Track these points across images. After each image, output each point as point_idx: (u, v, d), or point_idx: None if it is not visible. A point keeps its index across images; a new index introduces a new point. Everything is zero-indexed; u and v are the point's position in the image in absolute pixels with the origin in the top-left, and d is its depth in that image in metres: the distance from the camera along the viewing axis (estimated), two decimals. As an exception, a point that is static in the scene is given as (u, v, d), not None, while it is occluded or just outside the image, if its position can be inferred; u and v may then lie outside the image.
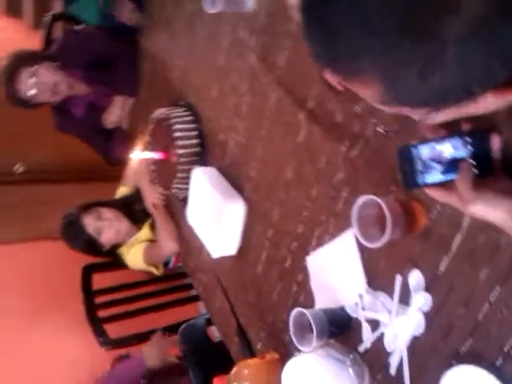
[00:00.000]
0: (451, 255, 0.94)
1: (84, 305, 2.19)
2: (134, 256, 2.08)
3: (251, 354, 1.52)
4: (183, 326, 2.07)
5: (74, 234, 2.02)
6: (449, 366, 0.94)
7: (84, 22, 2.56)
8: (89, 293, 2.24)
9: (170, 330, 2.19)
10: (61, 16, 2.75)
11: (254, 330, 1.55)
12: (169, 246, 1.97)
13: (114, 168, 2.47)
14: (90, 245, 2.04)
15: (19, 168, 3.90)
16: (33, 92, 2.11)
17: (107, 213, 2.06)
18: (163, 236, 1.97)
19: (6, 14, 4.11)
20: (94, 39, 2.32)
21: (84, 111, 2.35)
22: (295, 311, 1.16)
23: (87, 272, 2.29)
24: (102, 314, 2.22)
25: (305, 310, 1.13)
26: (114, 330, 2.17)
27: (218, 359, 1.76)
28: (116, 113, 2.34)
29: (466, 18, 0.42)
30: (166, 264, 2.22)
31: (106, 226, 2.03)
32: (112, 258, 2.16)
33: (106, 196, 2.46)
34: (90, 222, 2.02)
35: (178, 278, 2.44)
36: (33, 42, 3.79)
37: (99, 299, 2.27)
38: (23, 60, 2.11)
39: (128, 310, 2.27)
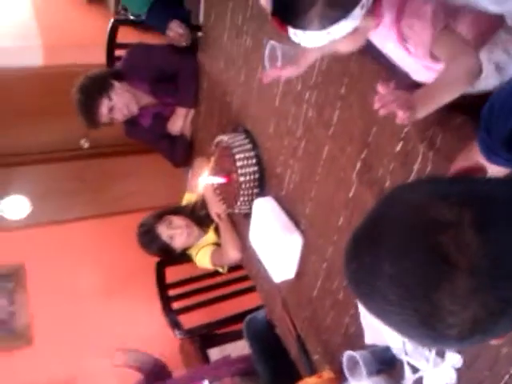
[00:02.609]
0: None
1: (160, 299, 2.49)
2: (202, 258, 2.33)
3: (309, 363, 1.76)
4: (246, 319, 2.34)
5: (150, 241, 2.28)
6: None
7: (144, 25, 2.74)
8: (163, 287, 2.54)
9: (238, 318, 2.46)
10: (122, 21, 2.92)
11: (311, 342, 1.78)
12: (232, 254, 2.20)
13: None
14: (164, 250, 2.30)
15: (85, 143, 4.20)
16: (109, 118, 2.35)
17: (178, 220, 2.30)
18: (227, 245, 2.21)
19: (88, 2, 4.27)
20: (157, 55, 2.49)
21: (150, 121, 2.57)
22: (347, 354, 1.38)
23: (160, 268, 2.57)
24: (176, 305, 2.51)
25: (355, 354, 1.34)
26: (185, 320, 2.48)
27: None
28: (179, 123, 2.55)
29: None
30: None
31: (177, 233, 2.28)
32: (183, 259, 2.42)
33: (164, 165, 2.73)
34: (163, 230, 2.27)
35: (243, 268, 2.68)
36: (90, 17, 3.98)
37: (172, 292, 2.56)
38: (97, 91, 2.31)
39: (198, 301, 2.56)
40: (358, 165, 1.41)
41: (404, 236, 0.61)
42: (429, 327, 0.59)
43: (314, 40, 1.06)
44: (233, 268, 2.58)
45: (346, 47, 1.14)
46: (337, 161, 1.51)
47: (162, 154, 2.73)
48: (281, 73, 1.36)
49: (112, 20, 2.76)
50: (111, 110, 2.34)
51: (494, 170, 0.84)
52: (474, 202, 0.61)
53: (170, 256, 2.39)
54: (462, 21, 1.10)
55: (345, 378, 1.43)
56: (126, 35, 2.84)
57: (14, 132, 3.67)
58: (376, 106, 0.97)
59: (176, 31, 2.37)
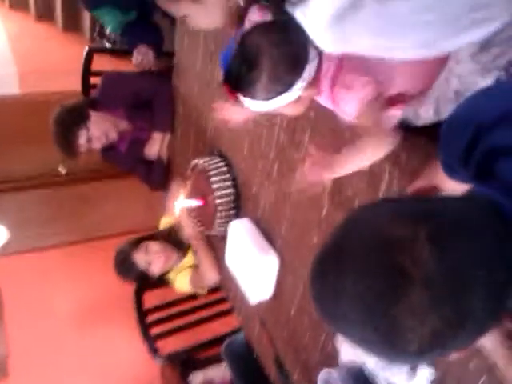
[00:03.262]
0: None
1: (138, 325, 2.47)
2: (181, 282, 2.33)
3: (289, 383, 1.77)
4: (225, 343, 2.34)
5: (127, 270, 2.27)
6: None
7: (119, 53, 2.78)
8: (141, 313, 2.52)
9: (218, 341, 2.45)
10: (98, 49, 2.96)
11: (290, 362, 1.79)
12: (210, 276, 2.21)
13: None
14: (142, 277, 2.29)
15: (62, 170, 4.19)
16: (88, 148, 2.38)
17: (154, 246, 2.30)
18: (204, 266, 2.22)
19: (37, 19, 4.33)
20: (131, 81, 2.53)
21: (127, 146, 2.59)
22: (323, 373, 1.39)
23: (138, 294, 2.56)
24: (155, 331, 2.50)
25: (332, 372, 1.36)
26: (165, 345, 2.46)
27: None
28: (155, 147, 2.57)
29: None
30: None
31: (154, 259, 2.27)
32: (162, 283, 2.42)
33: (142, 189, 2.74)
34: (140, 257, 2.26)
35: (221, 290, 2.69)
36: (65, 45, 4.01)
37: (151, 317, 2.55)
38: (75, 122, 2.34)
39: (177, 325, 2.55)
40: (329, 185, 1.45)
41: (364, 255, 0.64)
42: (389, 344, 0.62)
43: (261, 106, 1.17)
44: (211, 290, 2.59)
45: (292, 111, 1.25)
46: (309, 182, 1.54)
47: (139, 179, 2.75)
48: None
49: (87, 47, 2.80)
50: (89, 140, 2.36)
51: (457, 187, 0.88)
52: (427, 219, 0.64)
53: (147, 282, 2.38)
54: (399, 78, 1.16)
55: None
56: (102, 63, 2.87)
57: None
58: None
59: (142, 54, 2.42)
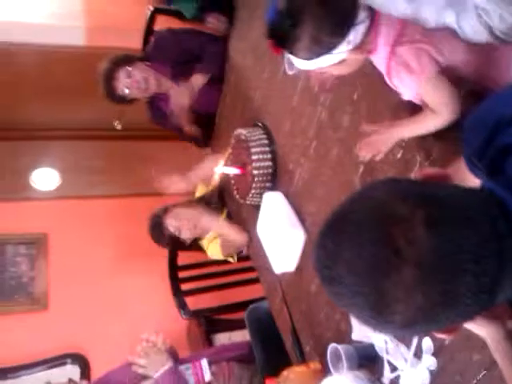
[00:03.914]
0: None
1: (170, 279, 2.59)
2: (213, 250, 2.42)
3: (301, 354, 1.83)
4: (249, 307, 2.42)
5: (159, 234, 2.37)
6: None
7: (182, 16, 2.83)
8: (174, 268, 2.64)
9: (243, 306, 2.54)
10: (161, 10, 3.02)
11: (305, 335, 1.85)
12: (239, 238, 2.29)
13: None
14: (174, 242, 2.39)
15: (118, 125, 4.33)
16: (127, 90, 2.45)
17: (184, 212, 2.37)
18: (231, 233, 2.30)
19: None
20: (186, 37, 2.59)
21: (170, 106, 2.66)
22: (331, 347, 1.45)
23: (172, 253, 2.67)
24: (184, 287, 2.62)
25: (339, 347, 1.41)
26: (192, 302, 2.58)
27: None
28: (187, 93, 2.53)
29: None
30: (240, 253, 2.55)
31: (183, 225, 2.35)
32: (195, 248, 2.51)
33: (190, 154, 2.81)
34: (170, 223, 2.35)
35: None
36: (135, 2, 4.11)
37: (182, 274, 2.67)
38: (120, 61, 2.44)
39: (206, 285, 2.66)
40: (361, 169, 1.47)
41: (363, 227, 0.67)
42: (376, 312, 0.66)
43: (305, 64, 1.16)
44: (242, 258, 2.67)
45: (340, 71, 1.23)
46: (343, 163, 1.57)
47: (186, 140, 2.82)
48: None
49: (151, 7, 2.87)
50: (129, 81, 2.43)
51: (477, 182, 0.90)
52: (428, 202, 0.66)
53: (181, 247, 2.48)
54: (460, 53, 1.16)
55: (329, 370, 1.50)
56: (166, 23, 2.94)
57: (51, 107, 3.82)
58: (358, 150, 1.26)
59: (215, 18, 2.47)
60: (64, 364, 2.93)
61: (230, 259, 2.48)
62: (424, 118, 1.18)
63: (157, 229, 2.36)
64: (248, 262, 2.75)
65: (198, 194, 2.57)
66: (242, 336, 2.77)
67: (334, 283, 0.70)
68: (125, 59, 2.47)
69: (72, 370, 2.90)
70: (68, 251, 3.33)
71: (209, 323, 2.78)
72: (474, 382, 1.12)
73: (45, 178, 3.76)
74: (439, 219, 0.65)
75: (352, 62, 1.21)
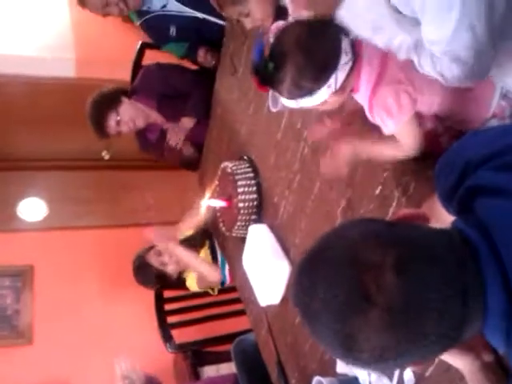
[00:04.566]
0: (434, 368, 1.20)
1: (156, 311, 2.59)
2: (191, 282, 2.46)
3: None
4: (236, 340, 2.42)
5: (145, 274, 2.41)
6: None
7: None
8: (160, 300, 2.64)
9: (230, 338, 2.54)
10: (151, 45, 3.09)
11: (290, 367, 1.86)
12: (212, 276, 2.35)
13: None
14: (161, 278, 2.42)
15: (106, 155, 4.36)
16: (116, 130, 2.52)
17: (164, 249, 2.41)
18: (204, 270, 2.34)
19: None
20: (174, 73, 2.66)
21: (157, 137, 2.71)
22: (316, 380, 1.46)
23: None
24: (170, 320, 2.61)
25: (323, 380, 1.42)
26: (178, 336, 2.57)
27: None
28: (181, 134, 2.64)
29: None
30: (222, 283, 2.56)
31: (166, 259, 2.39)
32: (181, 285, 2.53)
33: (179, 182, 2.82)
34: (153, 259, 2.39)
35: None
36: (123, 35, 4.12)
37: (168, 306, 2.66)
38: (106, 105, 2.51)
39: (192, 318, 2.65)
40: (343, 203, 1.51)
41: (336, 268, 0.70)
42: (345, 349, 0.69)
43: (289, 103, 1.22)
44: (227, 290, 2.68)
45: (323, 109, 1.28)
46: (325, 197, 1.61)
47: (174, 164, 2.86)
48: None
49: (140, 42, 2.94)
50: (118, 123, 2.50)
51: (450, 218, 0.93)
52: (398, 244, 0.70)
53: (168, 283, 2.50)
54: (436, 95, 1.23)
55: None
56: (154, 56, 3.00)
57: (39, 138, 3.86)
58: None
59: (203, 56, 2.54)
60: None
61: (210, 291, 2.50)
62: (388, 145, 1.26)
63: (142, 269, 2.40)
64: (233, 293, 2.77)
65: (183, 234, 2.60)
66: (229, 368, 2.76)
67: (311, 319, 0.73)
68: (111, 100, 2.53)
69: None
70: (54, 283, 3.31)
71: (195, 356, 2.77)
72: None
73: (32, 209, 3.76)
74: (408, 261, 0.68)
75: (334, 102, 1.26)
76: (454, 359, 0.95)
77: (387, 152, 1.28)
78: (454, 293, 0.68)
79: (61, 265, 3.39)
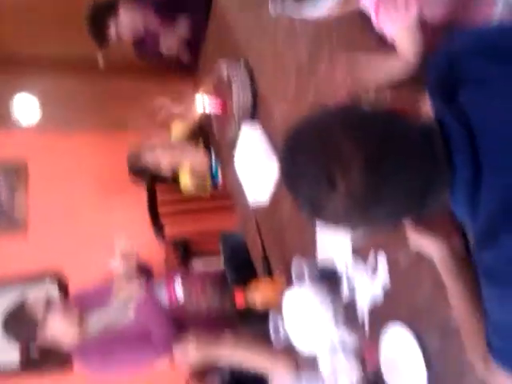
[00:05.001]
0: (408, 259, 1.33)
1: (148, 207, 2.71)
2: (185, 181, 2.57)
3: (269, 273, 2.01)
4: (224, 232, 2.57)
5: (139, 170, 2.54)
6: (392, 323, 1.37)
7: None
8: (152, 197, 2.75)
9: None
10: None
11: (275, 260, 2.02)
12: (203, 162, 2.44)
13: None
14: (155, 175, 2.51)
15: (101, 59, 4.31)
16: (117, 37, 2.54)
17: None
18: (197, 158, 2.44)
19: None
20: None
21: (153, 41, 2.74)
22: (296, 260, 1.62)
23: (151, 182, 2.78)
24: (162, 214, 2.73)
25: (303, 261, 1.58)
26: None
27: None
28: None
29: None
30: (215, 185, 2.67)
31: (160, 155, 2.49)
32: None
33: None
34: (147, 155, 2.48)
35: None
36: None
37: (161, 203, 2.78)
38: (105, 10, 2.52)
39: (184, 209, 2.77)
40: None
41: (313, 145, 0.79)
42: (313, 214, 0.82)
43: (292, 10, 1.25)
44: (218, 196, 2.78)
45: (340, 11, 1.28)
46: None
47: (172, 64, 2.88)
48: None
49: None
50: (118, 29, 2.53)
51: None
52: (372, 140, 0.76)
53: (162, 180, 2.59)
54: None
55: (292, 283, 1.67)
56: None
57: (39, 34, 3.77)
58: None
59: None
60: (42, 282, 3.07)
61: (202, 193, 2.61)
62: (388, 56, 1.28)
63: (136, 165, 2.48)
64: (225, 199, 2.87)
65: (174, 133, 2.66)
66: (217, 263, 2.92)
67: (291, 186, 0.83)
68: (110, 7, 2.52)
69: (50, 288, 3.04)
70: (48, 182, 3.41)
71: (185, 250, 2.92)
72: (422, 296, 1.29)
73: (26, 109, 3.76)
74: (379, 161, 0.75)
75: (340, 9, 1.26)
76: (424, 246, 1.01)
77: (387, 63, 1.29)
78: (418, 182, 0.77)
79: (55, 165, 3.47)
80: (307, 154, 0.79)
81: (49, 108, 3.75)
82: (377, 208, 0.77)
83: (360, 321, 1.49)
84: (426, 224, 0.98)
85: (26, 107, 3.72)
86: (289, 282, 1.74)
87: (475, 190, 0.79)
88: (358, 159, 0.74)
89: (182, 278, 2.30)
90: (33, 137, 3.58)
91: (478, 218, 0.80)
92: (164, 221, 2.70)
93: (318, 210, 0.80)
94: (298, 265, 1.64)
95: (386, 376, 1.37)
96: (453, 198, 0.84)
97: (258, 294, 1.84)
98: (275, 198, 1.99)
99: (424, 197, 0.80)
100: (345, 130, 0.78)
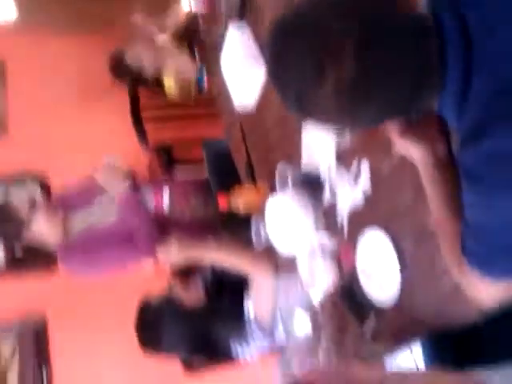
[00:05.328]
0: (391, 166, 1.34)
1: (131, 111, 2.65)
2: (169, 84, 2.49)
3: (253, 179, 2.02)
4: (206, 140, 2.55)
5: (121, 68, 2.42)
6: (370, 227, 1.40)
7: None
8: (135, 102, 2.69)
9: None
10: None
11: (258, 168, 2.02)
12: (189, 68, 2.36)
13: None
14: (138, 75, 2.42)
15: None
16: None
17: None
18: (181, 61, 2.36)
19: None
20: None
21: None
22: (280, 166, 1.62)
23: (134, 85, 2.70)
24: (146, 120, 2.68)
25: (287, 167, 1.58)
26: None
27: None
28: None
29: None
30: (200, 89, 2.60)
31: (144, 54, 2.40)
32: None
33: None
34: (131, 54, 2.38)
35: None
36: None
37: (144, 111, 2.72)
38: None
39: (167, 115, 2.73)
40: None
41: (301, 31, 0.75)
42: (299, 108, 0.78)
43: None
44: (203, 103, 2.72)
45: None
46: None
47: None
48: None
49: None
50: None
51: None
52: (364, 24, 0.72)
53: (145, 84, 2.51)
54: None
55: (275, 190, 1.69)
56: None
57: None
58: None
59: None
60: (24, 183, 3.05)
61: (187, 99, 2.56)
62: None
63: (118, 63, 2.38)
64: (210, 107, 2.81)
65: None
66: (200, 173, 2.93)
67: (281, 66, 0.79)
68: None
69: (32, 189, 3.02)
70: (28, 82, 3.29)
71: (169, 159, 2.91)
72: (401, 202, 1.31)
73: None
74: (371, 48, 0.72)
75: None
76: (408, 151, 1.00)
77: None
78: (409, 76, 0.75)
79: (34, 65, 3.33)
80: (295, 42, 0.76)
81: (27, 6, 3.55)
82: (366, 103, 0.76)
83: (339, 225, 1.53)
84: (411, 129, 0.97)
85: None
86: (272, 189, 1.75)
87: (464, 94, 0.78)
88: (348, 43, 0.71)
89: (169, 188, 2.30)
90: (11, 36, 3.40)
91: (463, 120, 0.80)
92: (147, 126, 2.65)
93: (306, 107, 0.78)
94: (282, 171, 1.64)
95: (362, 278, 1.43)
96: (441, 102, 0.83)
97: (241, 200, 1.87)
98: (261, 104, 1.95)
99: (414, 95, 0.78)
100: (333, 11, 0.74)
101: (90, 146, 3.01)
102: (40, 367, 2.90)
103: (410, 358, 1.50)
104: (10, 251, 3.04)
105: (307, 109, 0.78)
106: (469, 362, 1.22)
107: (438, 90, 0.80)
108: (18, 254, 3.03)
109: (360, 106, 0.76)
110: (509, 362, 1.04)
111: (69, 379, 2.94)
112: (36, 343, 2.92)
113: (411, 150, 0.99)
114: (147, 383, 3.00)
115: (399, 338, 1.39)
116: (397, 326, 1.36)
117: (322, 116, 0.80)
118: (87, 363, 2.96)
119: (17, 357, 2.90)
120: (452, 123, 0.87)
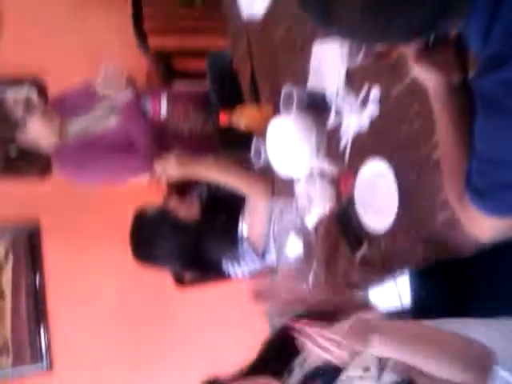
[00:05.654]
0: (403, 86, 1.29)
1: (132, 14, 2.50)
2: None
3: (257, 98, 1.96)
4: (210, 53, 2.44)
5: None
6: (372, 156, 1.37)
7: None
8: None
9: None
10: None
11: (263, 87, 1.95)
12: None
13: None
14: None
15: None
16: None
17: None
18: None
19: None
20: None
21: None
22: (286, 87, 1.56)
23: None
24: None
25: (293, 88, 1.52)
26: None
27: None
28: None
29: None
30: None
31: None
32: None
33: None
34: None
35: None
36: None
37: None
38: None
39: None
40: None
41: None
42: (323, 20, 0.75)
43: None
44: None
45: None
46: None
47: None
48: None
49: None
50: None
51: None
52: None
53: None
54: None
55: (279, 112, 1.64)
56: None
57: None
58: None
59: None
60: (21, 85, 2.93)
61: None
62: None
63: None
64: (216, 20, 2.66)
65: None
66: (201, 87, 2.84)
67: None
68: None
69: (29, 92, 2.91)
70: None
71: (169, 68, 2.80)
72: (407, 132, 1.28)
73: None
74: None
75: None
76: (423, 76, 0.97)
77: None
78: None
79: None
80: None
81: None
82: (393, 16, 0.71)
83: (341, 151, 1.50)
84: (428, 55, 0.93)
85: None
86: (275, 111, 1.70)
87: (492, 17, 0.74)
88: None
89: (168, 96, 2.22)
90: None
91: (488, 45, 0.77)
92: (148, 29, 2.49)
93: (330, 19, 0.73)
94: (287, 92, 1.58)
95: (358, 205, 1.41)
96: (467, 22, 0.78)
97: (243, 118, 1.81)
98: (270, 18, 1.86)
99: (442, 12, 0.73)
100: None
101: (88, 48, 2.86)
102: (34, 272, 2.95)
103: (395, 290, 1.53)
104: (3, 152, 2.99)
105: (331, 23, 0.74)
106: (455, 297, 1.24)
107: (466, 10, 0.76)
108: (13, 154, 2.98)
109: (386, 19, 0.72)
110: (495, 300, 1.06)
111: (61, 285, 3.00)
112: (29, 248, 2.95)
113: (426, 76, 0.97)
114: (140, 291, 3.07)
115: (389, 267, 1.40)
116: (388, 255, 1.37)
117: (346, 30, 0.75)
118: (79, 270, 3.01)
119: (11, 259, 2.94)
120: (475, 47, 0.83)
